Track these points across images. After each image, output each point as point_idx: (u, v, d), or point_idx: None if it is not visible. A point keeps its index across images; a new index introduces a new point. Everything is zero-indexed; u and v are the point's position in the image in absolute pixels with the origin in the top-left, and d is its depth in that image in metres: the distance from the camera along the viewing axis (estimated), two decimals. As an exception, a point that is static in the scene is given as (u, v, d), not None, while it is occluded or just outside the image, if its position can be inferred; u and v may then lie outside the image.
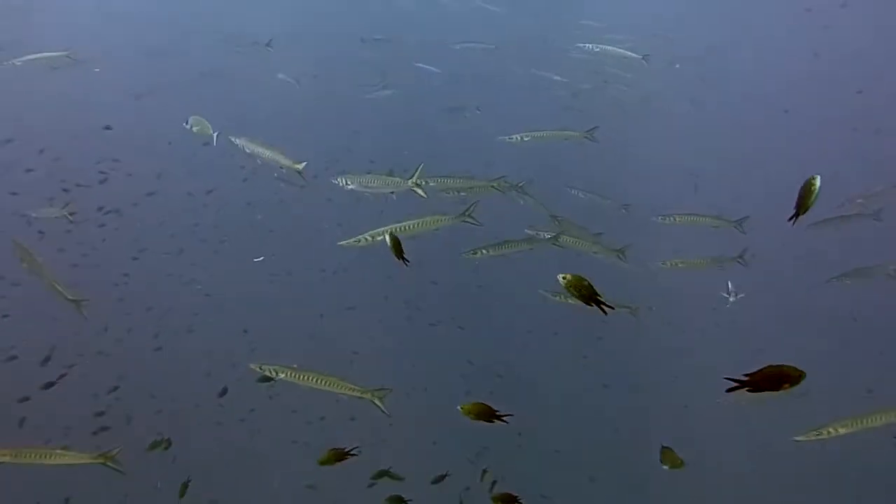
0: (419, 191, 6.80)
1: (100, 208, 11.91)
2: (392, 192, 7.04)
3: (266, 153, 7.01)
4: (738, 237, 9.12)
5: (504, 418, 5.35)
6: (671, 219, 8.98)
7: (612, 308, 4.58)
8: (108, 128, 12.54)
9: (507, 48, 17.21)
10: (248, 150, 6.99)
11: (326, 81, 16.42)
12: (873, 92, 16.83)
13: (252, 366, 6.01)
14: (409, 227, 6.28)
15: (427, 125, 16.56)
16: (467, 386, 12.09)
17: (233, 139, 7.07)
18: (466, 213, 6.63)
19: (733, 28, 20.47)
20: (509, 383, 12.56)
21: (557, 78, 16.72)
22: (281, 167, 7.07)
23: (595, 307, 4.48)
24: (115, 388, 10.58)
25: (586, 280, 4.40)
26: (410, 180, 6.78)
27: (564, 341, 13.09)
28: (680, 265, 9.02)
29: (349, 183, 6.68)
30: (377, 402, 5.95)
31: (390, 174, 6.95)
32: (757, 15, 20.79)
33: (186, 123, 7.91)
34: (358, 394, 5.94)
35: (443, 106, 16.42)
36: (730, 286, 8.53)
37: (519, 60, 17.18)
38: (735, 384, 3.74)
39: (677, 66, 17.55)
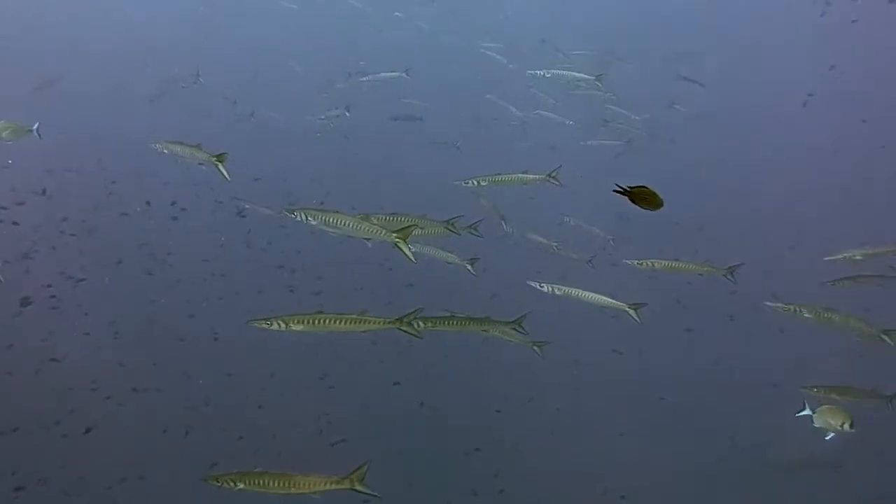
0: (405, 250, 5.54)
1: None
2: (367, 241, 5.83)
3: (183, 151, 6.80)
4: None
5: None
6: (648, 263, 8.04)
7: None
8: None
9: (498, 84, 16.82)
10: (166, 152, 6.87)
11: (302, 113, 16.09)
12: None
13: (208, 480, 5.12)
14: (327, 321, 5.17)
15: (407, 161, 16.14)
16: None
17: (153, 145, 6.94)
18: (405, 321, 5.39)
19: (735, 68, 20.07)
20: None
21: (570, 122, 15.98)
22: (199, 163, 6.76)
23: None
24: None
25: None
26: (394, 234, 5.50)
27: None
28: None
29: (311, 219, 5.51)
30: (359, 486, 4.96)
31: (366, 218, 5.62)
32: (759, 51, 20.42)
33: None
34: (334, 485, 4.98)
35: (425, 141, 15.93)
36: None
37: (511, 97, 16.71)
38: None
39: (677, 106, 17.07)
